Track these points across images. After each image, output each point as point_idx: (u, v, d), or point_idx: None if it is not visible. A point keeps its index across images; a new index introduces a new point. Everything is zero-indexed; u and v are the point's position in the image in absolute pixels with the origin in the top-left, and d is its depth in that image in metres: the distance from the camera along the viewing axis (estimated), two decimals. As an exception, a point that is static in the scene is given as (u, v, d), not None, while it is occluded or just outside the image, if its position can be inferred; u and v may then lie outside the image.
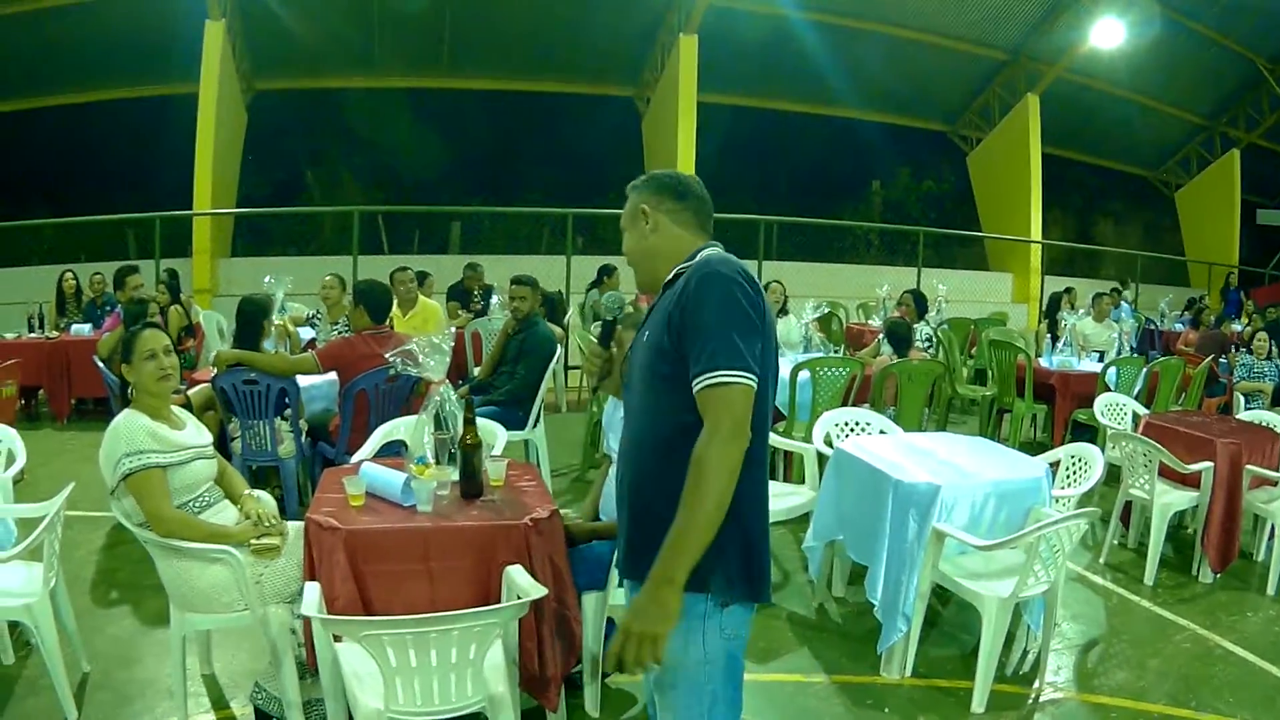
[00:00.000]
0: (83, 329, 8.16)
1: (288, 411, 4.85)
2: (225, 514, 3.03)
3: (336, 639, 2.52)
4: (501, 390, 5.47)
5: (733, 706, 1.95)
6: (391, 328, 5.23)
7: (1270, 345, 7.49)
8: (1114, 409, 6.32)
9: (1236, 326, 11.42)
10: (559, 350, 5.84)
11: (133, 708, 3.30)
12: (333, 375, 4.89)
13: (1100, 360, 7.97)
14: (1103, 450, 4.61)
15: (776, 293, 8.00)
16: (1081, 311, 9.03)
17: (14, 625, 3.49)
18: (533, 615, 2.71)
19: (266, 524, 2.94)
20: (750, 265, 11.58)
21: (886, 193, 21.71)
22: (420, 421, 3.27)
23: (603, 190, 13.18)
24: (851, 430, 5.11)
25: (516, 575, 2.65)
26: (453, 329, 4.92)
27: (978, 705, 3.58)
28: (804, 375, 6.06)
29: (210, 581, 2.84)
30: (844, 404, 6.04)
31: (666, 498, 1.82)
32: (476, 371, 7.05)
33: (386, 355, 3.33)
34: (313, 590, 2.54)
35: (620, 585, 2.19)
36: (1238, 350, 8.92)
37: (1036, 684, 3.81)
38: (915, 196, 21.06)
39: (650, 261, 2.06)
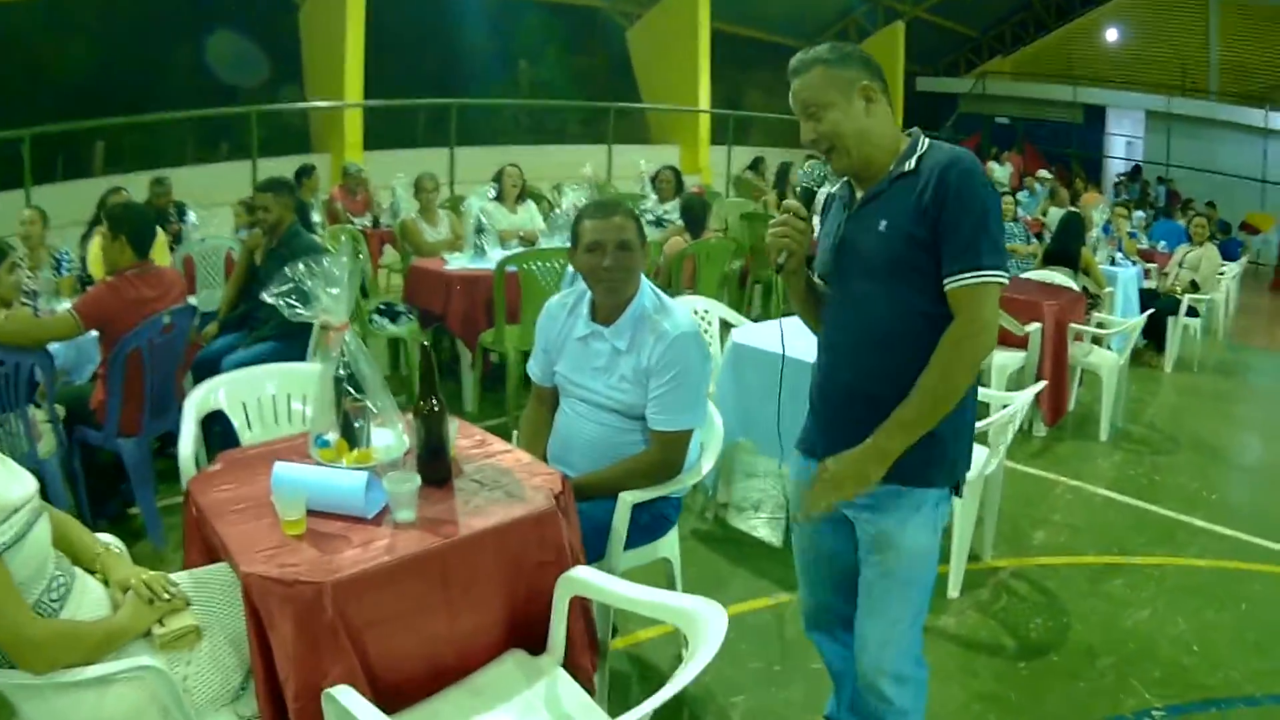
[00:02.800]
0: None
1: (38, 394, 3.40)
2: (90, 594, 1.81)
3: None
4: (271, 323, 4.26)
5: (929, 590, 2.04)
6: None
7: (1015, 207, 7.93)
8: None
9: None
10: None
11: None
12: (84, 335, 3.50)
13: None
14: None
15: (514, 177, 7.18)
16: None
17: None
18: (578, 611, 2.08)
19: (162, 595, 1.80)
20: (441, 152, 10.63)
21: (535, 72, 21.09)
22: (320, 384, 2.25)
23: (256, 91, 11.37)
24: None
25: (600, 581, 1.91)
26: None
27: (954, 589, 3.45)
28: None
29: (114, 713, 1.68)
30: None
31: (898, 390, 1.85)
32: (195, 300, 5.66)
33: (270, 298, 2.18)
34: (352, 701, 1.56)
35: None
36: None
37: (985, 559, 3.73)
38: (565, 74, 20.65)
39: (864, 145, 1.90)
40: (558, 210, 6.50)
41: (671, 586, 2.82)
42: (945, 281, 1.80)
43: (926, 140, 1.91)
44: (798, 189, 2.03)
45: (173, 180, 7.44)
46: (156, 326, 3.36)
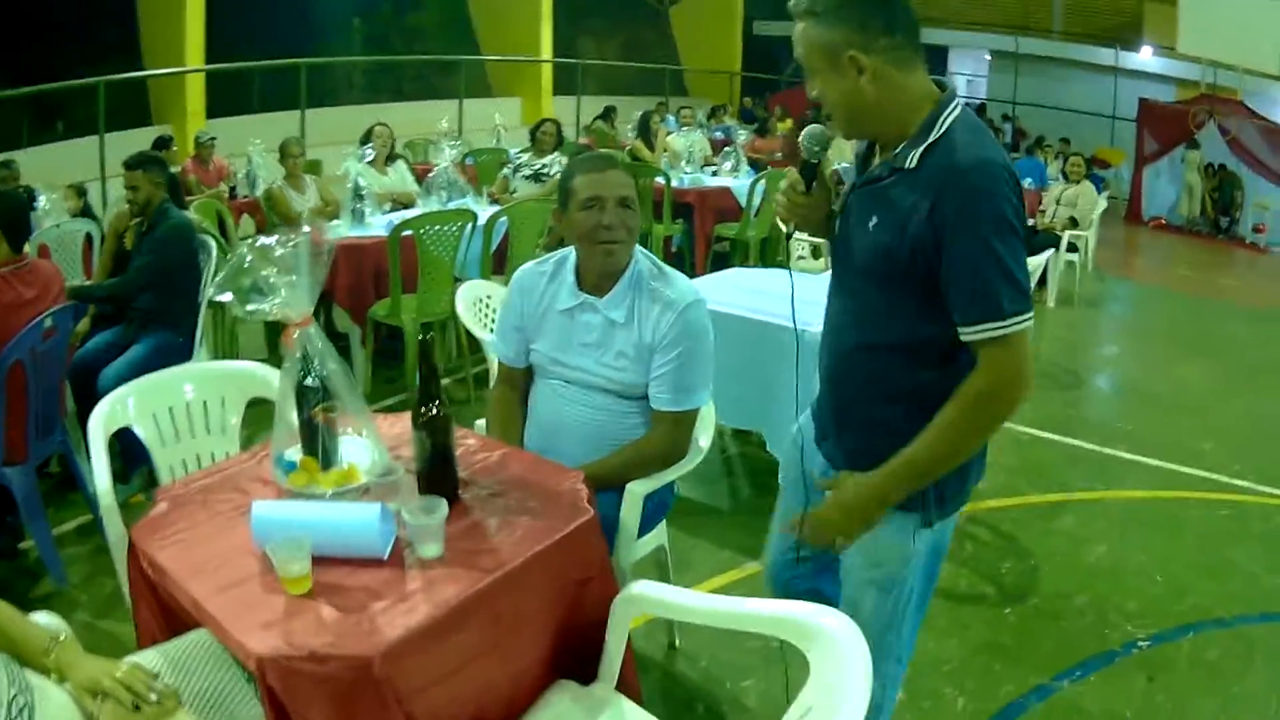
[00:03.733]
0: None
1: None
2: (52, 706, 1.36)
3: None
4: (144, 313, 3.74)
5: (924, 599, 1.85)
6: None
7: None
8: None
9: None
10: (211, 244, 4.11)
11: None
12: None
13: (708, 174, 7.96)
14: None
15: (384, 137, 6.67)
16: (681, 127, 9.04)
17: None
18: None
19: (148, 696, 1.38)
20: (291, 116, 9.98)
21: (369, 28, 20.25)
22: (280, 392, 1.87)
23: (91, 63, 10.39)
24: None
25: (676, 598, 1.65)
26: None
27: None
28: (503, 222, 5.12)
29: None
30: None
31: (869, 402, 1.68)
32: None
33: (219, 296, 1.77)
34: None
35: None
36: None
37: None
38: (398, 29, 19.90)
39: (858, 120, 1.61)
40: (438, 167, 6.05)
41: (665, 576, 2.61)
42: (961, 330, 1.50)
43: (947, 120, 1.53)
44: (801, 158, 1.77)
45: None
46: (38, 332, 2.81)
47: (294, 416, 1.89)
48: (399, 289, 4.58)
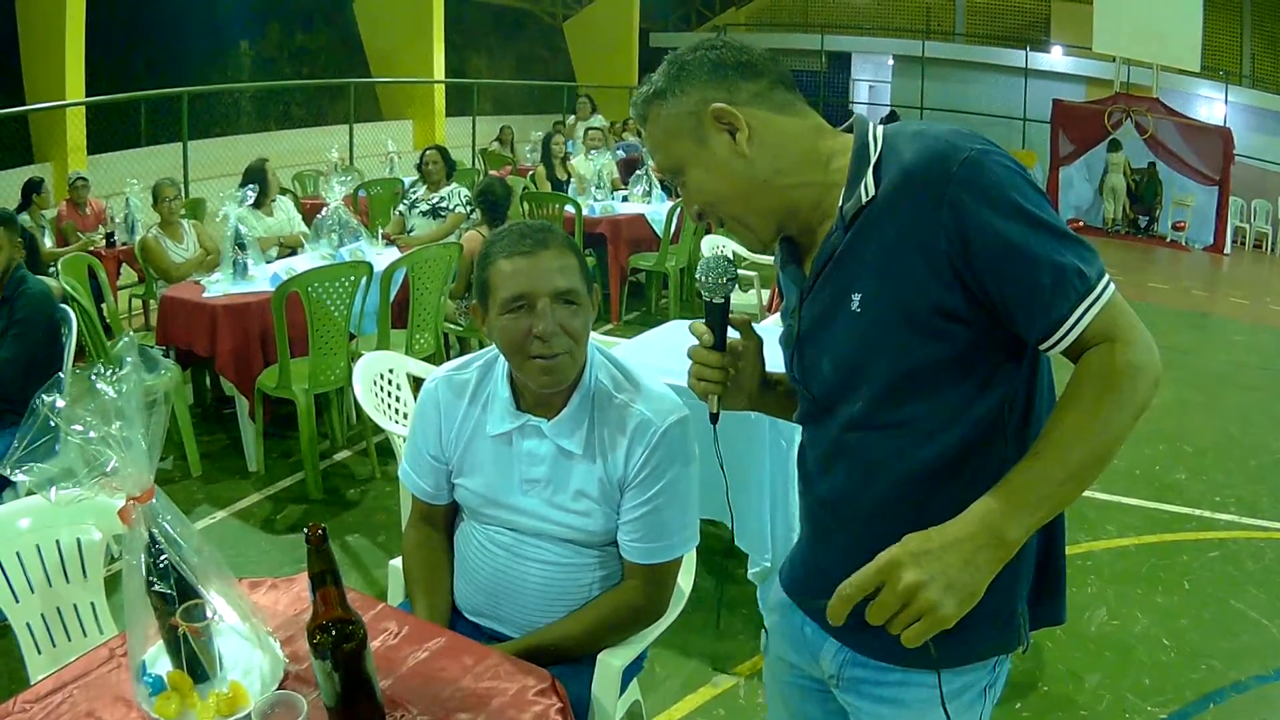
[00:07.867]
0: None
1: None
2: None
3: None
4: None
5: None
6: None
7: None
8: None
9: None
10: (71, 315, 3.49)
11: None
12: None
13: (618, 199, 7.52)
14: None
15: (269, 173, 6.06)
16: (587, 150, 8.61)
17: None
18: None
19: None
20: (168, 149, 9.26)
21: (257, 52, 19.64)
22: (124, 586, 1.35)
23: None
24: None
25: None
26: None
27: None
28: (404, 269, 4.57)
29: None
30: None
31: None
32: None
33: (14, 474, 1.24)
34: None
35: None
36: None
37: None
38: (287, 52, 19.31)
39: (764, 197, 1.21)
40: (328, 208, 5.40)
41: (639, 725, 2.15)
42: (1052, 339, 1.08)
43: (878, 134, 1.18)
44: (702, 302, 1.36)
45: None
46: None
47: (148, 615, 1.38)
48: (287, 357, 3.99)
